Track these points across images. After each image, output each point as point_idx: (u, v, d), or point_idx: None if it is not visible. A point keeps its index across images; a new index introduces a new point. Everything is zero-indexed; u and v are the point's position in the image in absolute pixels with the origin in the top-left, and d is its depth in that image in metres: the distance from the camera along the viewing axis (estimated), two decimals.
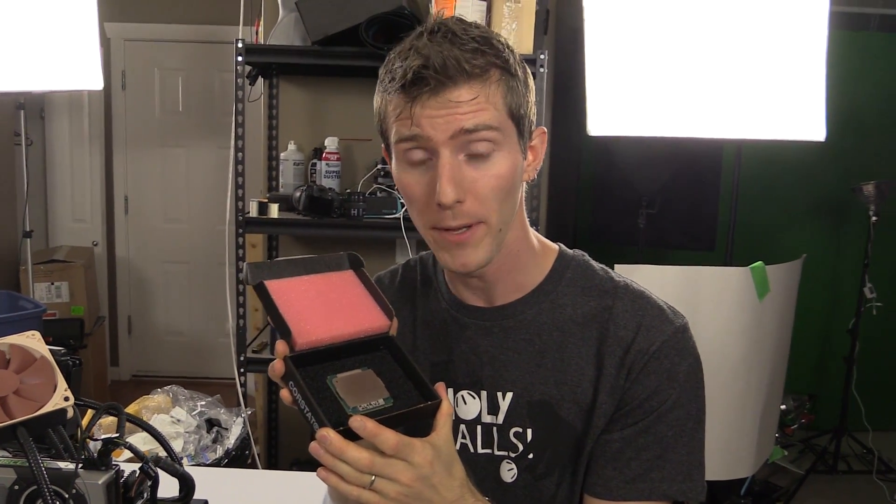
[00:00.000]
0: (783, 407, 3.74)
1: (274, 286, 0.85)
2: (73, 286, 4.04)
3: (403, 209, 2.55)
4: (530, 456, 0.99)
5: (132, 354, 4.86)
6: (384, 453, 0.77)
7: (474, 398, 1.01)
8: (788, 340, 2.37)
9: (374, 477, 0.77)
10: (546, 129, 1.00)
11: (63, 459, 0.85)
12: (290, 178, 2.81)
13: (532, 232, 1.02)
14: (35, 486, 0.79)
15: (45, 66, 2.83)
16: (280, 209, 2.56)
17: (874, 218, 3.38)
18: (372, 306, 0.89)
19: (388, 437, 0.76)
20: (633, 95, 2.25)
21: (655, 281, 2.09)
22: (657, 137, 2.28)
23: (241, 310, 2.60)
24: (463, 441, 1.02)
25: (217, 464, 2.20)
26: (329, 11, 2.36)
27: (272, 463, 3.06)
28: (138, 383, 4.68)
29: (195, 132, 4.66)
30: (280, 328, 0.82)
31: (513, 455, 1.00)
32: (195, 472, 1.00)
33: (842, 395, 3.56)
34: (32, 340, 0.86)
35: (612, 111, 2.28)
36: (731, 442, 2.14)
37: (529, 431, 0.98)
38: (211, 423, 2.32)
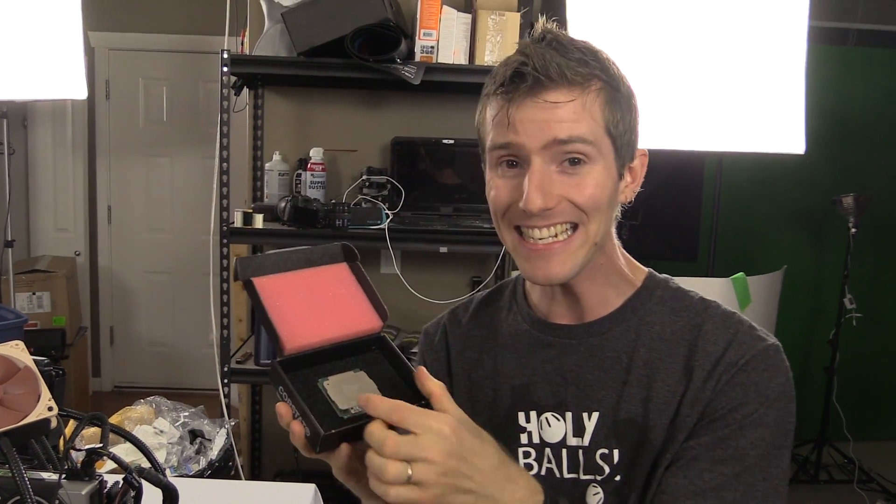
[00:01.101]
0: None
1: (263, 284, 0.82)
2: (54, 296, 4.01)
3: (388, 220, 2.56)
4: (617, 478, 0.94)
5: (114, 365, 4.82)
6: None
7: (559, 420, 0.98)
8: None
9: (410, 471, 0.71)
10: (647, 152, 0.99)
11: (46, 470, 0.85)
12: (275, 189, 2.81)
13: (621, 252, 1.00)
14: (18, 497, 0.78)
15: (28, 75, 2.81)
16: (265, 219, 2.56)
17: (853, 230, 3.43)
18: (365, 306, 0.86)
19: (404, 408, 0.72)
20: None
21: None
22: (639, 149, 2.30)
23: (224, 320, 2.59)
24: (549, 466, 0.98)
25: (200, 475, 2.18)
26: (315, 23, 2.37)
27: (256, 474, 3.05)
28: (120, 394, 4.65)
29: (179, 142, 4.65)
30: (269, 332, 0.80)
31: (599, 478, 0.95)
32: (178, 484, 0.99)
33: (823, 405, 3.59)
34: (16, 350, 0.86)
35: None
36: None
37: (616, 452, 0.94)
38: (194, 434, 2.31)
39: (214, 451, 2.27)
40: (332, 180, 2.86)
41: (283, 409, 0.77)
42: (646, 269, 1.02)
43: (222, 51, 2.46)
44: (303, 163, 2.80)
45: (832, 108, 3.64)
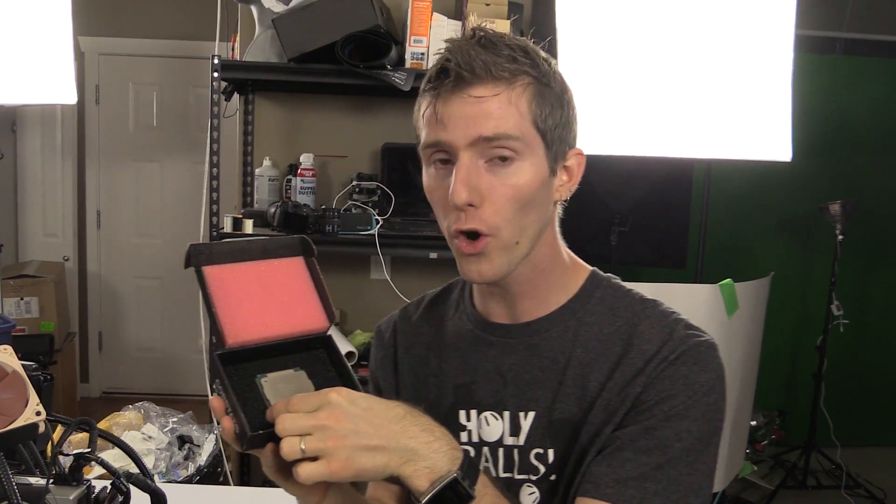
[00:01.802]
0: (753, 423, 3.78)
1: (213, 273, 0.80)
2: (43, 301, 3.99)
3: (378, 225, 2.56)
4: (552, 477, 0.94)
5: (103, 371, 4.80)
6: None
7: (497, 419, 0.98)
8: (757, 357, 2.40)
9: (302, 444, 0.72)
10: (583, 151, 0.98)
11: (34, 475, 0.85)
12: (265, 194, 2.81)
13: (566, 251, 1.00)
14: (5, 502, 0.78)
15: (17, 80, 2.80)
16: (255, 225, 2.56)
17: (840, 237, 3.45)
18: (314, 304, 0.84)
19: (296, 397, 0.74)
20: (604, 115, 2.29)
21: None
22: (628, 156, 2.32)
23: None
24: (486, 465, 0.98)
25: (189, 480, 2.18)
26: (305, 29, 2.37)
27: (244, 480, 3.03)
28: (109, 400, 4.62)
29: (170, 147, 4.64)
30: (213, 323, 0.78)
31: (534, 478, 0.95)
32: (167, 489, 0.99)
33: (810, 411, 3.61)
34: (4, 355, 0.86)
35: (583, 130, 2.32)
36: None
37: (551, 452, 0.94)
38: (183, 440, 2.30)
39: (203, 457, 2.27)
40: (322, 186, 2.86)
41: (217, 404, 0.77)
42: (589, 268, 1.02)
43: (213, 56, 2.46)
44: (293, 168, 2.80)
45: (820, 116, 3.68)
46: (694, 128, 2.22)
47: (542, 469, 0.95)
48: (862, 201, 3.53)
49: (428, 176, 0.93)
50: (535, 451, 0.95)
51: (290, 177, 2.81)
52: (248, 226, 2.53)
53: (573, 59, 2.31)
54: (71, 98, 2.93)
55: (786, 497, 3.51)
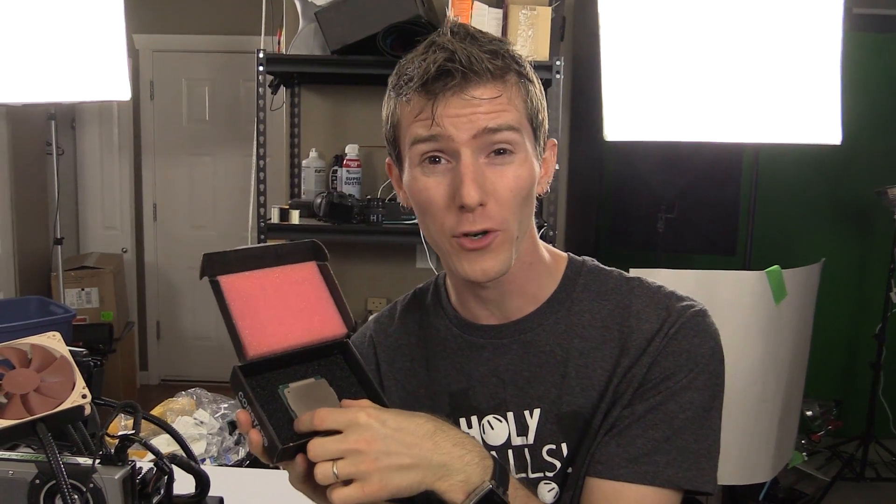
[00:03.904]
0: (809, 413, 3.70)
1: (229, 283, 0.80)
2: (102, 292, 4.12)
3: None
4: (569, 470, 0.93)
5: (161, 359, 4.94)
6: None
7: (501, 421, 0.96)
8: (808, 345, 2.35)
9: (335, 467, 0.72)
10: (556, 142, 0.99)
11: (83, 455, 0.89)
12: (311, 185, 2.85)
13: (541, 243, 0.99)
14: (55, 481, 0.82)
15: (74, 78, 2.90)
16: (301, 215, 2.60)
17: None
18: (331, 310, 0.84)
19: (322, 411, 0.74)
20: (650, 100, 2.26)
21: (670, 285, 2.09)
22: (674, 142, 2.29)
23: None
24: None
25: (239, 465, 2.23)
26: (347, 21, 2.40)
27: None
28: (166, 387, 4.75)
29: (221, 140, 4.74)
30: (232, 335, 0.78)
31: (550, 474, 0.95)
32: (217, 472, 1.02)
33: (869, 401, 3.51)
34: (53, 341, 0.90)
35: (628, 116, 2.30)
36: (747, 447, 2.14)
37: (564, 446, 0.93)
38: (233, 426, 2.36)
39: None
40: (368, 176, 2.89)
41: (243, 417, 0.77)
42: (565, 255, 1.01)
43: (258, 50, 2.50)
44: (339, 159, 2.83)
45: (873, 97, 3.55)
46: (740, 112, 2.17)
47: (558, 464, 0.94)
48: None
49: (413, 177, 0.89)
50: (547, 447, 0.95)
51: (335, 168, 2.84)
52: (295, 216, 2.57)
53: (617, 44, 2.28)
54: (125, 94, 3.02)
55: (843, 489, 3.43)
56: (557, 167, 2.52)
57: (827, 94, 2.11)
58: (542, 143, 0.93)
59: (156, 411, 2.28)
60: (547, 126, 0.95)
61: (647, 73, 2.25)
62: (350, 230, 2.54)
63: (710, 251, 3.12)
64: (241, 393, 0.77)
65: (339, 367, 0.84)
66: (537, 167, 0.91)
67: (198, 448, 2.13)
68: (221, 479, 1.06)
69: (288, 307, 0.81)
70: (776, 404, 2.14)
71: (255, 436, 0.76)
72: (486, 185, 0.86)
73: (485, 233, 0.87)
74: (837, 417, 3.85)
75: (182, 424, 2.21)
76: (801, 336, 2.26)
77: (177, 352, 4.93)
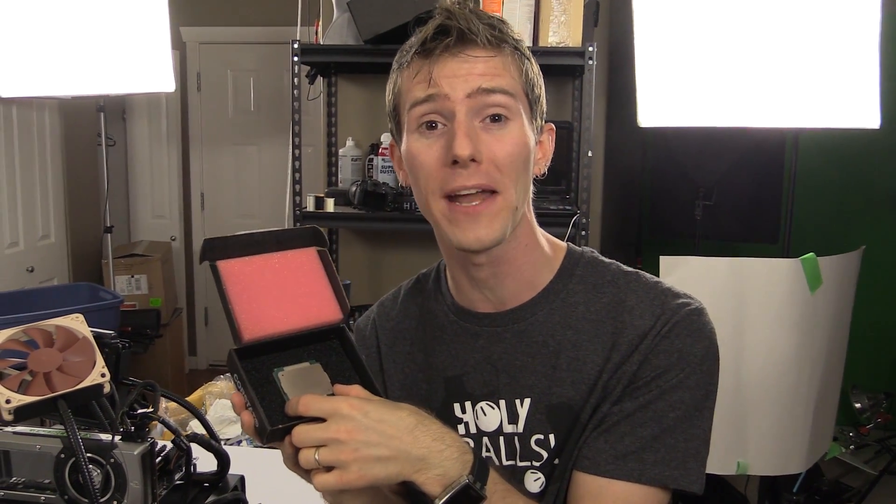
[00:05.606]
0: (858, 405, 3.61)
1: (228, 268, 0.81)
2: (151, 279, 4.24)
3: None
4: (556, 461, 0.94)
5: (209, 344, 5.07)
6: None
7: (494, 408, 0.97)
8: (846, 335, 2.29)
9: (316, 454, 0.74)
10: (553, 127, 0.99)
11: (106, 432, 0.93)
12: (348, 174, 2.89)
13: (540, 231, 1.00)
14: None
15: (121, 71, 3.00)
16: (337, 203, 2.64)
17: None
18: (328, 295, 0.85)
19: (308, 398, 0.76)
20: (684, 85, 2.22)
21: (702, 273, 2.07)
22: (710, 127, 2.25)
23: None
24: (487, 454, 0.98)
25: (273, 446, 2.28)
26: (378, 11, 2.42)
27: None
28: (214, 372, 4.85)
29: (266, 130, 4.82)
30: (228, 318, 0.79)
31: (536, 464, 0.95)
32: (240, 452, 1.05)
33: None
34: (76, 322, 0.94)
35: (662, 101, 2.27)
36: (780, 437, 2.10)
37: (552, 437, 0.94)
38: None
39: None
40: None
41: (237, 399, 0.79)
42: (564, 245, 1.01)
43: (292, 41, 2.54)
44: (375, 148, 2.86)
45: None
46: (776, 95, 2.13)
47: (545, 455, 0.95)
48: None
49: (409, 143, 0.90)
50: (535, 437, 0.95)
51: (371, 156, 2.87)
52: (329, 205, 2.61)
53: (651, 27, 2.25)
54: (169, 86, 3.11)
55: (891, 483, 3.34)
56: (590, 154, 2.51)
57: (865, 77, 2.05)
58: (538, 119, 0.94)
59: (195, 395, 2.35)
60: (545, 108, 0.96)
61: (682, 57, 2.22)
62: (384, 218, 2.57)
63: (751, 239, 3.06)
64: (235, 375, 0.79)
65: (334, 351, 0.86)
66: (533, 140, 0.92)
67: (234, 430, 2.19)
68: (244, 459, 1.09)
69: (285, 292, 0.82)
70: (811, 395, 2.10)
71: (247, 417, 0.79)
72: (482, 147, 0.86)
73: (482, 191, 0.87)
74: (887, 410, 3.75)
75: (220, 407, 2.27)
76: (838, 325, 2.21)
77: (225, 337, 4.96)
